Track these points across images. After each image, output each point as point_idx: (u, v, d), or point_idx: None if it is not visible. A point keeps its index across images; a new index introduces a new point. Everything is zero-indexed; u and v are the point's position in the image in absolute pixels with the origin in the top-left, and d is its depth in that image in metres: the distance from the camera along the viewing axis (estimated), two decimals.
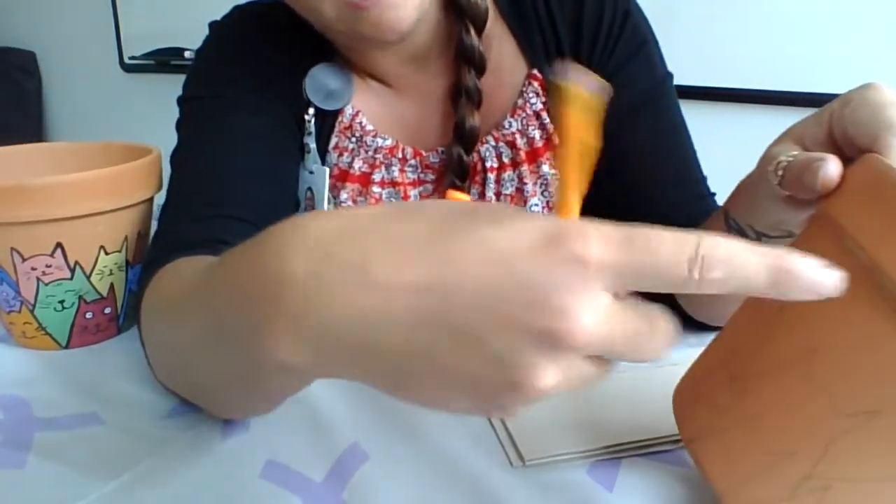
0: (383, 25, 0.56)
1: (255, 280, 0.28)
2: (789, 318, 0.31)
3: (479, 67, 0.64)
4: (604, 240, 0.24)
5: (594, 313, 0.24)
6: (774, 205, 0.41)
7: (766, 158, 0.40)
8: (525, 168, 0.68)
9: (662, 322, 0.26)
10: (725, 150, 0.91)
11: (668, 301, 0.28)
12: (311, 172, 0.69)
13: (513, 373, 0.24)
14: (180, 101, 0.66)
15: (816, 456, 0.30)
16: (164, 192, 0.61)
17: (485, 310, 0.24)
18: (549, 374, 0.24)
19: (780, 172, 0.38)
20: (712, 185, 0.69)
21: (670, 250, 0.24)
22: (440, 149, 0.69)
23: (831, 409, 0.29)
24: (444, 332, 0.24)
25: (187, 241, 0.53)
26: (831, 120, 0.38)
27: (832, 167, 0.33)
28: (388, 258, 0.25)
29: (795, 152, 0.38)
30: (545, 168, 0.68)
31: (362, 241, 0.26)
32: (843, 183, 0.33)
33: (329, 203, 0.69)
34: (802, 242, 0.35)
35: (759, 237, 0.46)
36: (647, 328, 0.26)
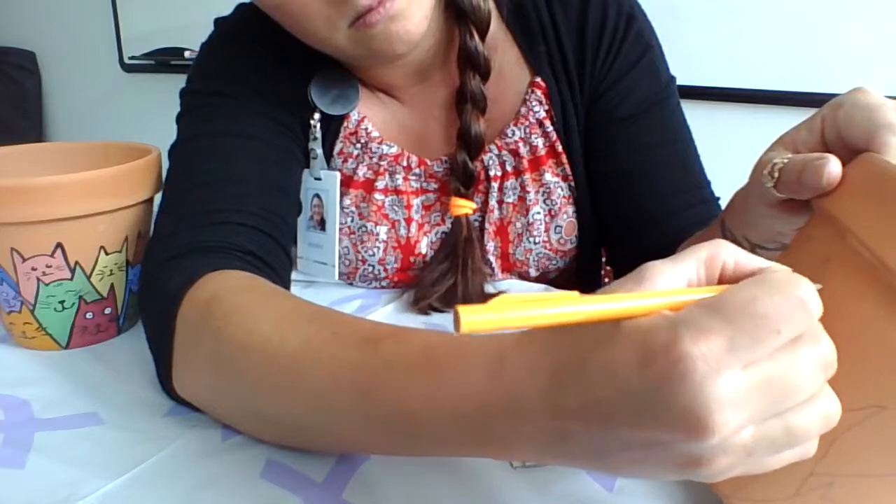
0: (394, 39, 0.56)
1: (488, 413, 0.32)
2: None
3: (484, 72, 0.64)
4: (697, 332, 0.25)
5: (718, 403, 0.25)
6: (768, 213, 0.41)
7: (760, 165, 0.40)
8: (528, 176, 0.68)
9: (808, 355, 0.26)
10: (726, 150, 0.91)
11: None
12: (318, 178, 0.69)
13: (684, 464, 0.26)
14: (183, 94, 0.66)
15: (820, 453, 0.30)
16: None
17: (630, 429, 0.27)
18: (719, 458, 0.26)
19: (775, 175, 0.38)
20: (713, 185, 0.68)
21: (771, 304, 0.26)
22: (444, 157, 0.69)
23: None
24: (611, 442, 0.28)
25: (202, 244, 0.52)
26: (823, 125, 0.38)
27: (835, 164, 0.34)
28: (555, 390, 0.29)
29: (790, 156, 0.38)
30: (548, 176, 0.68)
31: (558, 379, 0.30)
32: (841, 182, 0.33)
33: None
34: (803, 242, 0.35)
35: (754, 249, 0.46)
36: (795, 370, 0.26)
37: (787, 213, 0.39)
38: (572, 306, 0.26)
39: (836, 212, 0.32)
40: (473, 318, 0.23)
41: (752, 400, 0.25)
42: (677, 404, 0.25)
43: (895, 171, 0.31)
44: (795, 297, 0.26)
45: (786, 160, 0.37)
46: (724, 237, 0.49)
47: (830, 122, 0.38)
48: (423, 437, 0.35)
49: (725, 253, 0.29)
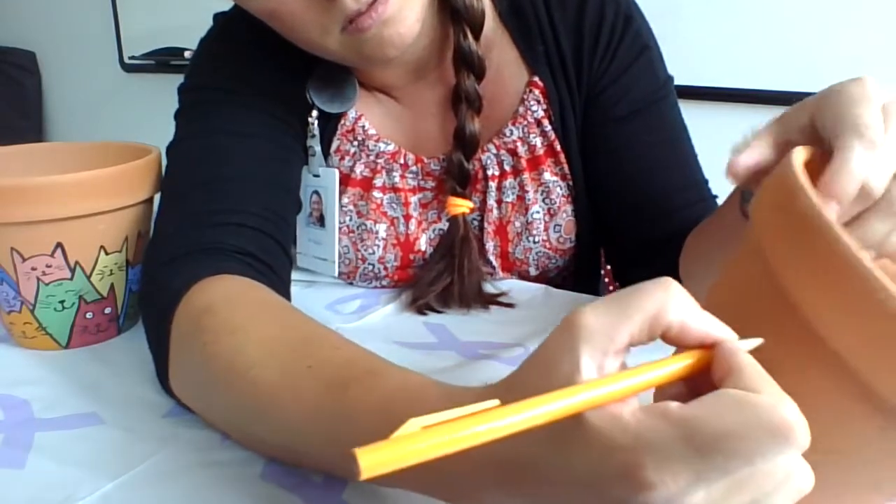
0: (386, 43, 0.56)
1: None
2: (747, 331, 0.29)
3: (478, 72, 0.64)
4: (662, 460, 0.23)
5: None
6: None
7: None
8: (526, 175, 0.68)
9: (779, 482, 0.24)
10: (726, 150, 0.90)
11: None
12: (317, 175, 0.69)
13: None
14: (181, 90, 0.66)
15: None
16: None
17: None
18: None
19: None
20: (713, 184, 0.69)
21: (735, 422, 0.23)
22: (441, 156, 0.69)
23: None
24: None
25: (202, 246, 0.53)
26: (815, 107, 0.37)
27: (741, 160, 0.33)
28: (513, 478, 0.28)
29: (755, 138, 0.37)
30: (546, 175, 0.68)
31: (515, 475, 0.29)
32: (762, 189, 0.31)
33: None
34: (737, 264, 0.33)
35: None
36: (767, 473, 0.24)
37: None
38: (491, 423, 0.23)
39: (755, 220, 0.31)
40: (373, 457, 0.20)
41: None
42: None
43: (797, 184, 0.29)
44: (780, 432, 0.23)
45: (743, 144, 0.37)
46: (743, 201, 0.47)
47: (818, 106, 0.36)
48: (389, 483, 0.36)
49: (674, 313, 0.26)
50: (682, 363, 0.27)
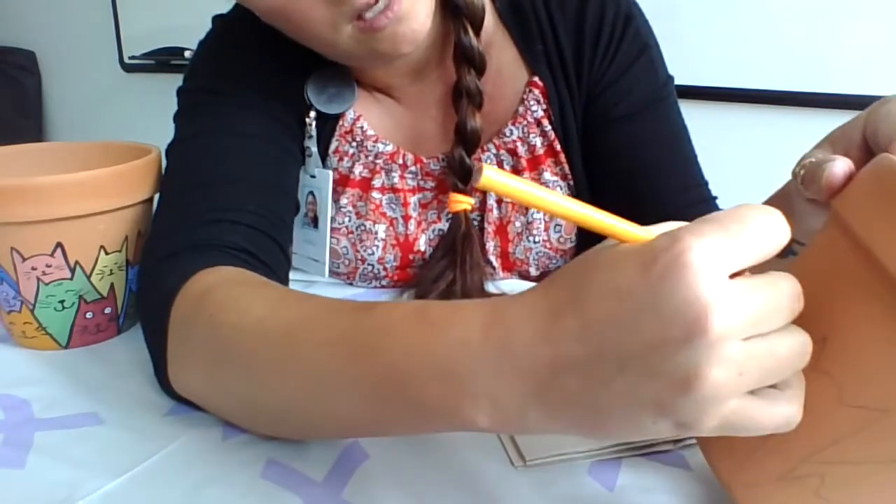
0: (399, 40, 0.56)
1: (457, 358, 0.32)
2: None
3: (479, 67, 0.64)
4: (697, 231, 0.27)
5: (715, 298, 0.26)
6: (804, 209, 0.40)
7: (798, 162, 0.40)
8: (526, 175, 0.68)
9: (783, 282, 0.29)
10: (726, 150, 0.91)
11: None
12: (313, 176, 0.69)
13: (679, 379, 0.27)
14: (180, 92, 0.66)
15: (817, 445, 0.30)
16: None
17: (630, 339, 0.27)
18: (714, 369, 0.27)
19: (801, 172, 0.37)
20: (714, 183, 0.69)
21: (758, 216, 0.28)
22: (441, 156, 0.69)
23: (837, 399, 0.30)
24: (608, 365, 0.28)
25: (197, 243, 0.52)
26: (867, 120, 0.37)
27: (838, 166, 0.33)
28: (545, 323, 0.30)
29: (822, 154, 0.37)
30: (547, 175, 0.68)
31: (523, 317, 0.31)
32: (854, 183, 0.33)
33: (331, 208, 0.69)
34: (816, 242, 0.34)
35: (791, 244, 0.45)
36: (775, 290, 0.28)
37: (820, 210, 0.38)
38: (591, 210, 0.30)
39: (842, 210, 0.32)
40: (494, 173, 0.26)
41: (742, 306, 0.27)
42: (678, 296, 0.26)
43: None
44: (769, 212, 0.29)
45: (813, 160, 0.37)
46: None
47: (872, 118, 0.37)
48: (408, 399, 0.34)
49: None
50: None
